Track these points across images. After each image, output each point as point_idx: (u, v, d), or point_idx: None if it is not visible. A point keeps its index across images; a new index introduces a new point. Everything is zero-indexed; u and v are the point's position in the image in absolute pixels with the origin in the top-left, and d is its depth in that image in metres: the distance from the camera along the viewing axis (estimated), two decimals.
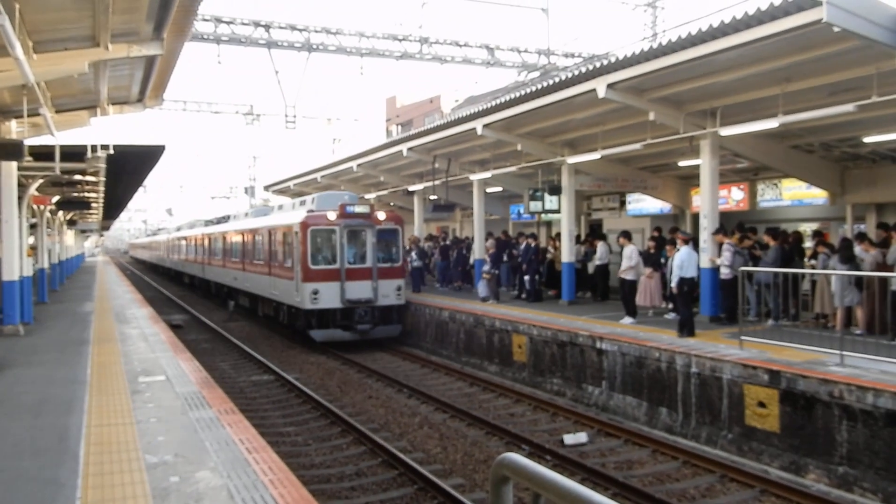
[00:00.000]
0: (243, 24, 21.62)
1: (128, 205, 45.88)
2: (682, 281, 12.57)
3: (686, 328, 12.24)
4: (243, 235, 25.21)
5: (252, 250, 23.69)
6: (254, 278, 23.32)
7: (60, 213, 29.51)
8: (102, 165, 14.08)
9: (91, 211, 31.16)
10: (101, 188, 20.43)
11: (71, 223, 37.08)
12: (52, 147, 13.10)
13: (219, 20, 21.29)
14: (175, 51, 10.67)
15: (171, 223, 69.82)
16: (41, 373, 10.23)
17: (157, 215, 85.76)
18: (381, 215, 19.09)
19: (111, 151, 13.38)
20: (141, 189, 46.35)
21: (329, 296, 17.97)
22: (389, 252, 19.10)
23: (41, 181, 16.17)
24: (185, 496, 5.28)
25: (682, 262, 12.61)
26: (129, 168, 17.66)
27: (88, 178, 17.47)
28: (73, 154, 13.47)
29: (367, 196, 28.25)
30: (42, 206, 21.62)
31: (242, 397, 13.04)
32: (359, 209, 18.77)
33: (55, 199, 21.81)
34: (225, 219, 33.53)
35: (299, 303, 18.29)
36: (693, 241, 15.49)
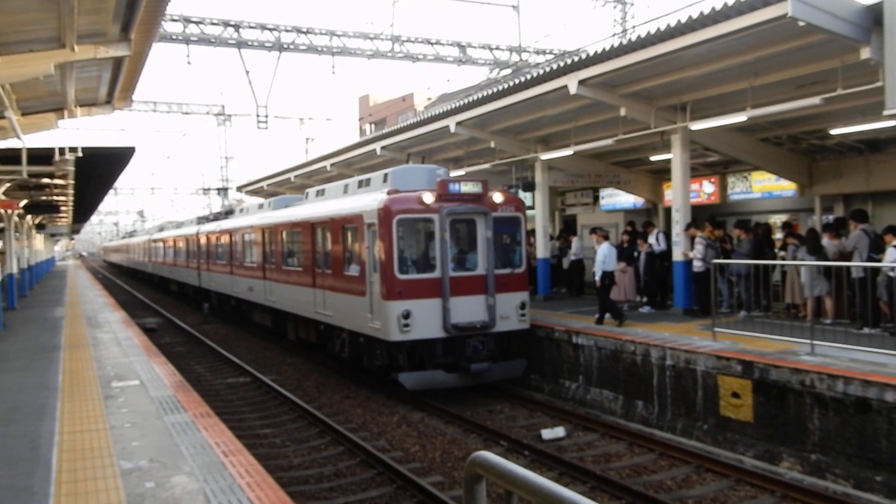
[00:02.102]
0: (213, 23, 21.45)
1: (98, 207, 45.26)
2: (604, 275, 13.28)
3: (606, 315, 13.27)
4: (263, 233, 19.47)
5: (280, 252, 18.09)
6: (283, 290, 17.87)
7: (29, 216, 29.02)
8: (71, 168, 13.86)
9: (60, 214, 30.66)
10: (71, 191, 20.12)
11: (40, 227, 36.50)
12: (19, 150, 12.87)
13: (188, 20, 21.09)
14: (143, 52, 10.53)
15: (146, 225, 68.75)
16: (11, 380, 10.07)
17: (129, 218, 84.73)
18: (498, 197, 13.04)
19: (80, 154, 13.19)
20: (111, 191, 45.87)
21: (426, 320, 12.18)
22: (509, 252, 13.39)
23: (8, 185, 15.92)
24: (161, 502, 5.23)
25: (604, 257, 13.33)
26: (99, 170, 17.40)
27: (57, 181, 17.20)
28: (41, 157, 13.26)
29: None
30: (9, 211, 21.23)
31: (219, 400, 12.93)
32: (467, 188, 12.76)
33: (23, 202, 21.42)
34: (227, 214, 28.01)
35: (378, 331, 12.46)
36: (666, 234, 15.70)
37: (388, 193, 12.65)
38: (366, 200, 13.25)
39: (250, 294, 20.83)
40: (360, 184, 14.83)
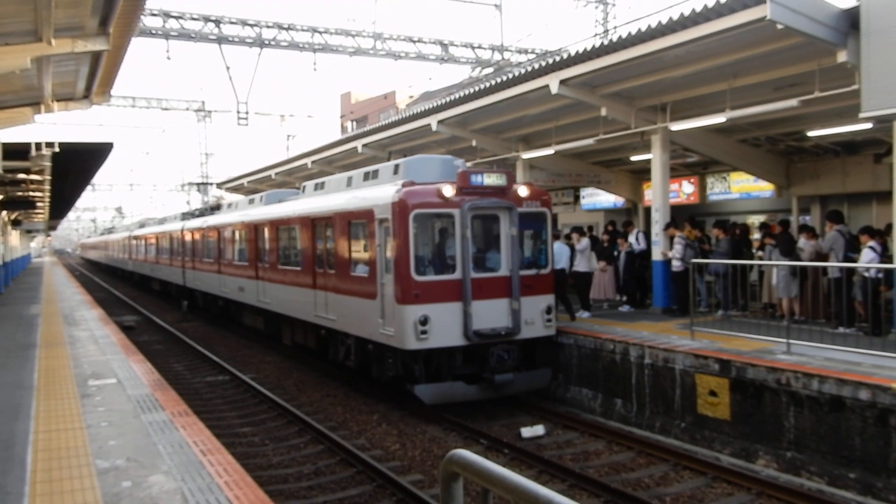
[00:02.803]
0: (193, 18, 21.28)
1: (76, 204, 44.70)
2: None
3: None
4: (256, 229, 18.16)
5: (275, 250, 16.91)
6: (278, 291, 16.63)
7: (4, 212, 28.61)
8: (48, 164, 13.67)
9: (37, 210, 30.24)
10: (47, 187, 19.83)
11: (16, 223, 35.97)
12: None
13: (167, 15, 20.90)
14: (122, 46, 10.41)
15: (125, 221, 67.88)
16: None
17: (107, 214, 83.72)
18: (523, 191, 11.91)
19: (56, 149, 13.01)
20: (89, 188, 45.33)
21: (445, 326, 11.04)
22: (534, 251, 12.37)
23: None
24: (138, 501, 5.19)
25: (556, 256, 13.30)
26: (76, 166, 17.17)
27: (33, 176, 16.94)
28: (17, 152, 13.06)
29: None
30: None
31: (197, 399, 12.84)
32: (490, 180, 11.56)
33: None
34: (214, 209, 26.44)
35: (391, 338, 11.30)
36: (645, 233, 15.81)
37: (403, 185, 11.41)
38: (376, 193, 12.04)
39: (241, 295, 19.59)
40: (367, 176, 13.49)
